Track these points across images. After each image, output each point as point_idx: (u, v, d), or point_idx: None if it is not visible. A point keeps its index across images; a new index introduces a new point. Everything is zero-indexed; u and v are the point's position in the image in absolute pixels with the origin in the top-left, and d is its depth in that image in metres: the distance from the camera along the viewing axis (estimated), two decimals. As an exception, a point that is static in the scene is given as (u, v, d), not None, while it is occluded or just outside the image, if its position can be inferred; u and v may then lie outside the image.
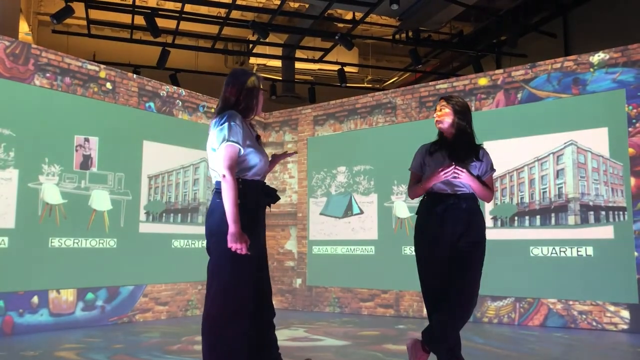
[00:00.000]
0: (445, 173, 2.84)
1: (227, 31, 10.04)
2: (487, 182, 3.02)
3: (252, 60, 12.38)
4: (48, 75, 5.45)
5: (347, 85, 10.28)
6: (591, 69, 5.52)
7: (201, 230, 6.70)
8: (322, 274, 7.11)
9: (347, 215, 7.00)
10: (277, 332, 2.78)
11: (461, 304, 2.84)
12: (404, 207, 6.50)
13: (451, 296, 2.85)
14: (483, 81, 6.20)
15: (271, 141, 7.78)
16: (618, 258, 5.18)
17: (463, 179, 2.87)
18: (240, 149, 2.46)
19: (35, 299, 5.16)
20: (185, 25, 9.58)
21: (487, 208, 5.90)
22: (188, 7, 8.77)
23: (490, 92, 6.11)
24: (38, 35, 10.30)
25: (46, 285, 5.26)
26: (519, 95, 5.91)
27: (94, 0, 8.22)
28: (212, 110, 7.21)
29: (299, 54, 11.51)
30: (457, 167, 2.85)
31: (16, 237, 5.05)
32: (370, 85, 13.59)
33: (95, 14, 9.24)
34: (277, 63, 12.26)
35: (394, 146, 6.60)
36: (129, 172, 6.08)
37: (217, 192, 2.49)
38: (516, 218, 5.80)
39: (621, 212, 5.23)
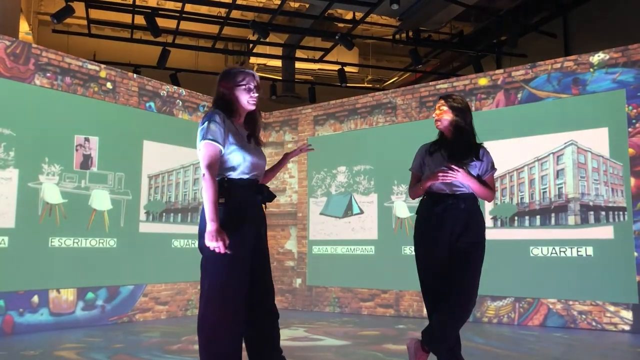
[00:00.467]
0: (442, 176, 2.84)
1: (228, 31, 10.04)
2: (488, 182, 3.01)
3: (253, 60, 12.38)
4: (48, 74, 5.45)
5: (348, 85, 10.28)
6: (591, 69, 5.52)
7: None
8: (322, 274, 7.11)
9: (347, 215, 7.01)
10: (277, 332, 2.76)
11: (461, 304, 2.84)
12: (404, 207, 6.50)
13: (451, 296, 2.85)
14: (483, 81, 6.20)
15: (271, 141, 7.78)
16: (618, 258, 5.18)
17: (460, 178, 2.86)
18: (220, 148, 2.44)
19: (35, 299, 5.16)
20: (185, 25, 9.58)
21: (487, 208, 5.90)
22: (188, 7, 8.77)
23: (491, 92, 6.11)
24: (38, 35, 10.30)
25: (46, 284, 5.26)
26: (519, 95, 5.91)
27: (94, 0, 8.22)
28: (213, 108, 7.21)
29: (299, 53, 11.51)
30: (453, 166, 2.84)
31: (16, 237, 5.06)
32: (370, 85, 13.59)
33: (95, 14, 9.24)
34: (278, 63, 12.27)
35: (394, 146, 6.61)
36: (129, 171, 6.09)
37: None
38: (516, 218, 5.81)
39: (621, 212, 5.23)
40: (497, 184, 5.89)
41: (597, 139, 5.40)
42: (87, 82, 5.79)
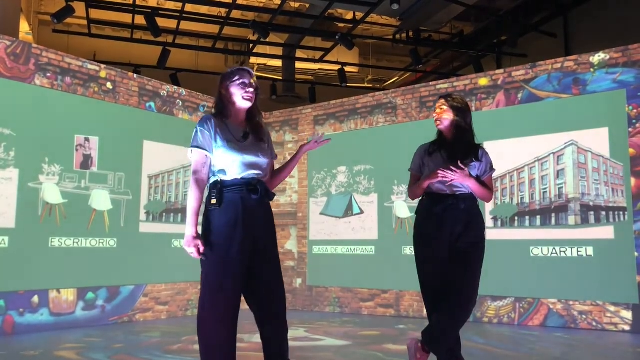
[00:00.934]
0: (443, 175, 2.83)
1: (228, 31, 10.03)
2: (486, 182, 3.01)
3: (253, 60, 12.37)
4: (48, 74, 5.45)
5: (348, 85, 10.27)
6: (591, 69, 5.52)
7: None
8: (322, 274, 7.11)
9: (347, 215, 7.00)
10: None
11: (461, 304, 2.84)
12: (404, 207, 6.50)
13: (451, 296, 2.84)
14: (483, 81, 6.20)
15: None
16: (618, 258, 5.18)
17: (459, 179, 2.85)
18: (205, 153, 2.47)
19: (35, 299, 5.16)
20: (185, 25, 9.58)
21: (488, 208, 5.90)
22: (188, 7, 8.77)
23: (491, 92, 6.11)
24: (39, 35, 10.30)
25: (46, 284, 5.26)
26: (520, 96, 5.91)
27: (94, 0, 8.22)
28: (213, 111, 7.21)
29: (299, 53, 11.51)
30: (452, 167, 2.83)
31: (16, 237, 5.06)
32: (370, 85, 13.59)
33: (95, 14, 9.24)
34: (278, 63, 12.26)
35: (394, 146, 6.60)
36: (129, 171, 6.09)
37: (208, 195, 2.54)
38: (516, 218, 5.80)
39: (621, 213, 5.23)
40: (498, 184, 5.89)
41: (597, 139, 5.40)
42: (88, 82, 5.79)
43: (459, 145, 2.98)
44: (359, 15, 9.00)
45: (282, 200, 7.56)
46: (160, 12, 8.68)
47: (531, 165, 5.77)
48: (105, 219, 5.82)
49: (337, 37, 8.69)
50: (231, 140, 2.49)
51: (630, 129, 5.25)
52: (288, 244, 7.48)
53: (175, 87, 6.88)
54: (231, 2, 8.11)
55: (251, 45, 10.71)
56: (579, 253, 5.40)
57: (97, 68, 5.92)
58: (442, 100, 3.05)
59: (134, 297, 6.00)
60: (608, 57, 5.45)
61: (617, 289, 5.15)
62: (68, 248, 5.46)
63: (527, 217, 5.74)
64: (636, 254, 5.10)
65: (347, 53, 10.71)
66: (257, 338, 2.82)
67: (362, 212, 6.88)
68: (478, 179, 2.97)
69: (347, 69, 10.49)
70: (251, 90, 2.56)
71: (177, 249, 6.51)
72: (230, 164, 2.47)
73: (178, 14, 8.73)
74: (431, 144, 3.10)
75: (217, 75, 2.72)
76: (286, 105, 9.47)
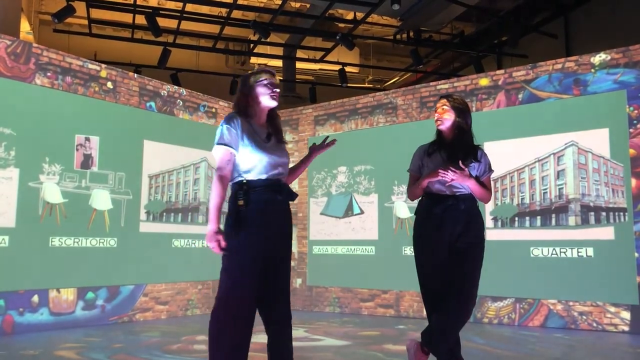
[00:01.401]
0: (443, 174, 2.83)
1: (228, 31, 10.03)
2: (485, 183, 3.01)
3: (253, 60, 12.38)
4: (49, 74, 5.45)
5: (348, 85, 10.27)
6: (592, 70, 5.52)
7: (201, 230, 6.73)
8: (322, 274, 7.11)
9: (347, 215, 7.00)
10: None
11: (460, 304, 2.83)
12: (404, 207, 6.50)
13: (450, 297, 2.84)
14: (484, 82, 6.20)
15: (272, 141, 7.77)
16: (618, 259, 5.17)
17: (459, 179, 2.85)
18: (231, 151, 2.48)
19: (35, 298, 5.16)
20: (186, 25, 9.58)
21: (488, 209, 5.90)
22: (189, 7, 8.77)
23: (491, 93, 6.11)
24: (39, 35, 10.31)
25: (46, 284, 5.26)
26: (520, 96, 5.91)
27: (95, 0, 8.23)
28: (213, 111, 7.24)
29: (300, 53, 11.51)
30: (452, 168, 2.83)
31: (16, 236, 5.06)
32: (371, 86, 13.59)
33: (96, 13, 9.24)
34: (278, 63, 12.26)
35: (394, 146, 6.60)
36: (129, 171, 6.09)
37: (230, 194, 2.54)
38: (516, 219, 5.80)
39: (622, 213, 5.23)
40: (498, 185, 5.89)
41: (597, 140, 5.40)
42: (88, 82, 5.79)
43: (458, 145, 2.97)
44: (360, 15, 9.00)
45: (283, 200, 7.55)
46: (160, 12, 8.68)
47: (531, 165, 5.76)
48: (106, 219, 5.82)
49: (337, 37, 8.69)
50: (258, 140, 2.52)
51: (630, 130, 5.25)
52: (288, 244, 7.47)
53: (176, 87, 6.88)
54: (232, 2, 8.11)
55: (252, 45, 10.71)
56: (579, 254, 5.40)
57: (98, 68, 5.92)
58: (444, 100, 3.04)
59: (134, 296, 6.00)
60: (609, 57, 5.44)
61: (617, 290, 5.15)
62: (68, 248, 5.47)
63: (528, 218, 5.74)
64: (636, 254, 5.10)
65: (348, 53, 10.71)
66: (261, 338, 2.82)
67: (362, 212, 6.88)
68: (477, 179, 2.96)
69: (347, 69, 10.49)
70: (277, 90, 2.62)
71: (177, 249, 6.52)
72: (257, 164, 2.50)
73: (179, 14, 8.73)
74: (430, 144, 3.09)
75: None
76: (287, 105, 9.47)
